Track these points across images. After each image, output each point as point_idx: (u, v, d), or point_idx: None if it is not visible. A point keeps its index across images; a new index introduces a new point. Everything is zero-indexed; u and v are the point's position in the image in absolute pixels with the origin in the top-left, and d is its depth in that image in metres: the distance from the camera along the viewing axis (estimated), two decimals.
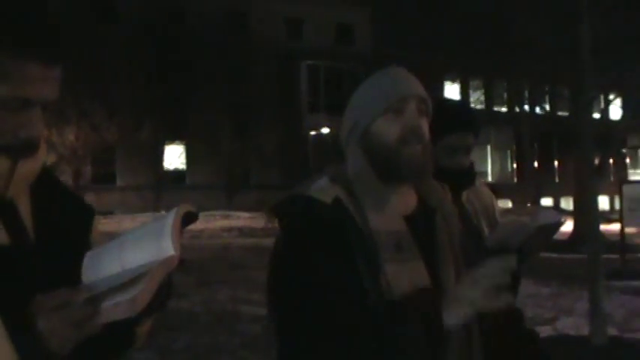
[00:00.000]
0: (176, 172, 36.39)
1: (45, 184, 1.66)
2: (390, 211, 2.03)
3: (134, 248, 1.45)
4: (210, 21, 33.47)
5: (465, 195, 3.07)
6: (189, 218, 1.50)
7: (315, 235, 1.92)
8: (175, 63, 32.59)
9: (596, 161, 15.43)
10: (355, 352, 1.82)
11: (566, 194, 41.44)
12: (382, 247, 1.94)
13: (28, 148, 1.54)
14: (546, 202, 41.92)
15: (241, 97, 34.29)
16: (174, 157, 36.42)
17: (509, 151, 45.82)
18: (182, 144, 36.59)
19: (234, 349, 8.56)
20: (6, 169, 1.51)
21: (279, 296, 1.97)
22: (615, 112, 39.65)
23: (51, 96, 1.53)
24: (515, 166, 45.92)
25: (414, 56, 36.09)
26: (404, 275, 1.93)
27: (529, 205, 34.74)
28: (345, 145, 2.14)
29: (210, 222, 25.43)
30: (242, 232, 24.16)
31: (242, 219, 28.23)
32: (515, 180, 44.77)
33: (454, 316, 1.80)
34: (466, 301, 1.79)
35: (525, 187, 38.80)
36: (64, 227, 1.64)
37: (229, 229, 24.72)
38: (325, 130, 38.61)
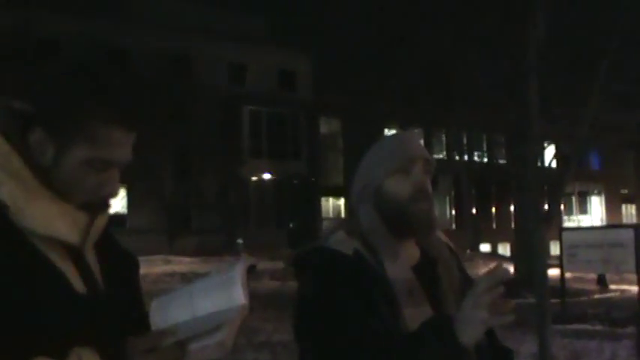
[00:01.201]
0: (117, 216, 35.96)
1: (103, 235, 1.80)
2: (401, 262, 2.23)
3: (205, 297, 1.62)
4: (153, 63, 33.46)
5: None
6: (250, 269, 1.67)
7: (341, 283, 2.09)
8: None
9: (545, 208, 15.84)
10: None
11: (503, 240, 42.18)
12: (399, 294, 2.14)
13: (106, 204, 1.71)
14: (485, 247, 42.48)
15: (184, 141, 34.19)
16: (115, 200, 35.92)
17: (447, 198, 46.38)
18: (123, 187, 36.11)
19: None
20: (84, 223, 1.66)
21: (312, 344, 2.13)
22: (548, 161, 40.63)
23: (128, 158, 1.70)
24: (453, 212, 46.66)
25: (355, 104, 36.65)
26: (419, 319, 2.09)
27: (468, 251, 35.17)
28: (355, 202, 2.31)
29: (152, 267, 25.12)
30: (184, 277, 23.85)
31: (183, 264, 28.03)
32: (454, 226, 45.31)
33: (469, 336, 1.93)
34: (476, 320, 1.91)
35: (464, 233, 39.35)
36: (123, 275, 1.80)
37: (172, 274, 24.45)
38: (267, 176, 38.68)
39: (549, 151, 36.31)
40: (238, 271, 1.64)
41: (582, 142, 10.77)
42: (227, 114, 37.83)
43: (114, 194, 1.73)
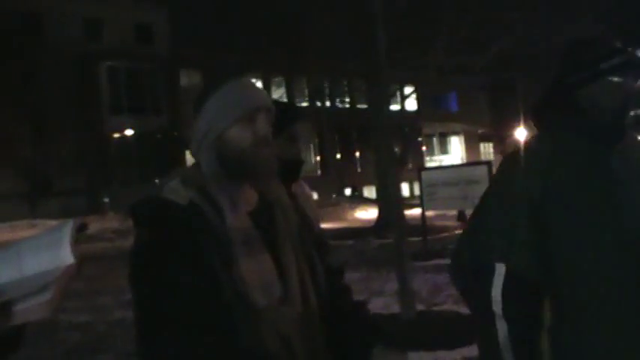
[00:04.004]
0: None
1: None
2: (239, 210, 2.23)
3: (33, 256, 1.59)
4: (3, 22, 32.09)
5: (292, 187, 3.29)
6: (80, 228, 1.67)
7: (172, 236, 2.07)
8: None
9: (397, 150, 16.20)
10: (211, 350, 2.01)
11: (368, 183, 43.01)
12: (234, 244, 2.13)
13: None
14: (349, 191, 43.19)
15: (39, 101, 33.09)
16: None
17: (311, 145, 46.70)
18: None
19: None
20: None
21: (138, 296, 2.10)
22: (411, 103, 41.52)
23: None
24: (318, 158, 47.03)
25: (213, 56, 36.27)
26: (254, 268, 2.14)
27: (334, 195, 35.77)
28: (196, 149, 2.29)
29: (16, 232, 24.42)
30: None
31: (49, 227, 27.31)
32: (320, 172, 45.77)
33: None
34: None
35: (329, 178, 39.91)
36: None
37: None
38: (129, 132, 37.96)
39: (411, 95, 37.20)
40: (66, 230, 1.62)
41: (430, 84, 11.05)
42: (84, 71, 36.82)
43: None
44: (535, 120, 2.48)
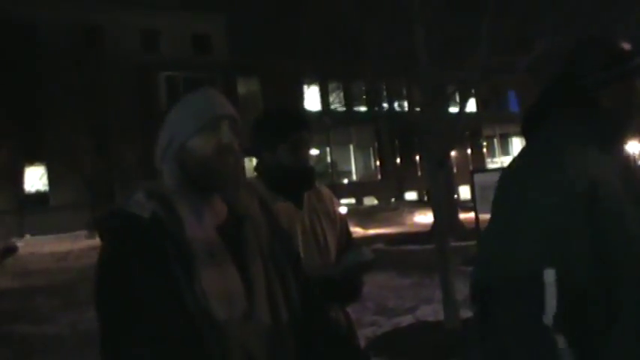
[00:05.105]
0: (38, 194, 35.43)
1: None
2: (204, 222, 2.20)
3: None
4: (64, 34, 32.77)
5: (306, 196, 3.28)
6: (8, 250, 1.64)
7: (134, 248, 2.06)
8: (29, 80, 31.76)
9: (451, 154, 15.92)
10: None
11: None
12: (197, 256, 2.10)
13: None
14: (410, 195, 42.98)
15: (100, 113, 33.69)
16: (35, 178, 35.45)
17: (371, 149, 46.63)
18: (42, 164, 35.62)
19: None
20: None
21: (103, 309, 2.10)
22: (471, 105, 41.11)
23: None
24: (378, 163, 46.91)
25: (271, 63, 36.47)
26: (217, 281, 2.11)
27: (393, 200, 35.64)
28: (160, 161, 2.28)
29: (77, 242, 24.91)
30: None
31: None
32: (379, 177, 45.68)
33: None
34: None
35: (389, 183, 39.75)
36: None
37: (96, 248, 24.14)
38: None
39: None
40: None
41: (476, 85, 10.81)
42: (143, 82, 37.40)
43: None
44: (534, 123, 2.33)
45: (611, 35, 2.39)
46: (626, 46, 2.30)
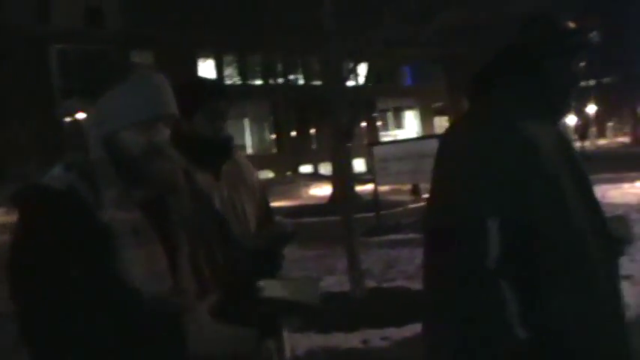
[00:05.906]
0: None
1: None
2: (126, 199, 2.10)
3: None
4: None
5: (224, 167, 3.20)
6: None
7: (49, 223, 1.98)
8: None
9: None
10: (94, 344, 1.94)
11: (324, 160, 42.97)
12: (118, 234, 2.02)
13: None
14: (305, 169, 43.12)
15: None
16: None
17: (266, 123, 46.51)
18: None
19: None
20: None
21: (17, 289, 2.00)
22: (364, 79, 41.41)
23: None
24: (273, 136, 46.92)
25: (165, 36, 35.84)
26: (140, 258, 2.04)
27: (289, 173, 35.68)
28: (88, 133, 2.17)
29: None
30: (2, 228, 22.95)
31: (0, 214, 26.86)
32: (275, 150, 45.62)
33: None
34: None
35: (285, 156, 39.79)
36: None
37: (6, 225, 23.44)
38: (80, 115, 37.41)
39: (362, 69, 37.12)
40: None
41: (381, 56, 10.95)
42: (33, 55, 36.20)
43: None
44: (477, 89, 2.43)
45: (558, 13, 2.48)
46: (572, 24, 2.40)
